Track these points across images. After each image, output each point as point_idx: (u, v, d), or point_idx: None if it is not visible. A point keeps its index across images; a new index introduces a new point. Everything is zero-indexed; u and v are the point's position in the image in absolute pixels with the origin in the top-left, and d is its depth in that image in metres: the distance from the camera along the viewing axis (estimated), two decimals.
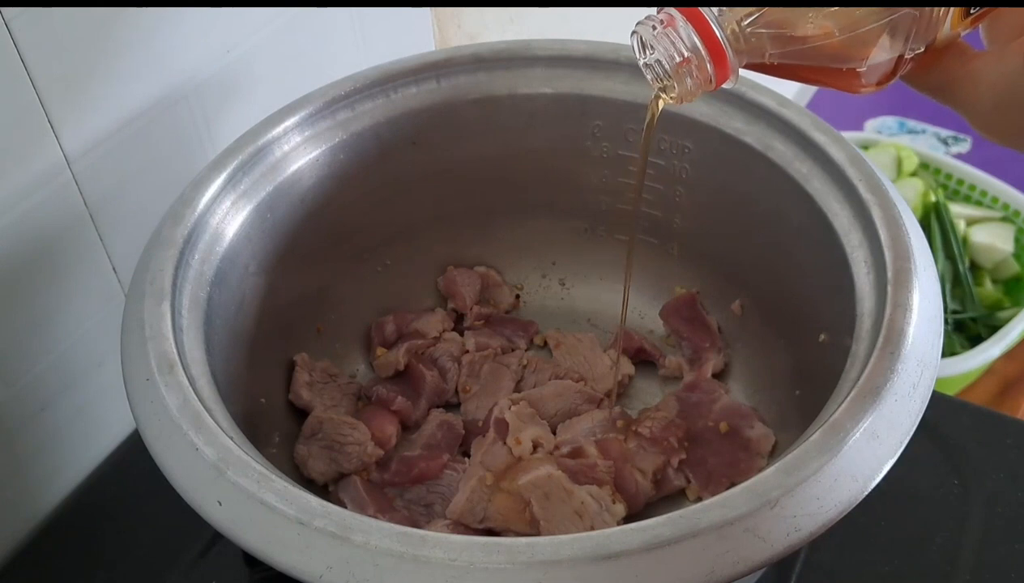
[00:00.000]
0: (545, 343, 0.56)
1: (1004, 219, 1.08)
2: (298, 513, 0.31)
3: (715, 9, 0.31)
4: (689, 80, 0.32)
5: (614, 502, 0.44)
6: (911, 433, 0.33)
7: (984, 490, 0.50)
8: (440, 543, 0.30)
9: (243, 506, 0.32)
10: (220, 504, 0.32)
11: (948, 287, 1.01)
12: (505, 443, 0.48)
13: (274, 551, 0.31)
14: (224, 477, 0.32)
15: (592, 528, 0.43)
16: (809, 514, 0.30)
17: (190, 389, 0.35)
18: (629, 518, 0.45)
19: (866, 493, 0.31)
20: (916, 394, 0.34)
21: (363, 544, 0.30)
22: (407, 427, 0.51)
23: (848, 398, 0.34)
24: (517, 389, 0.53)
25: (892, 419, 0.33)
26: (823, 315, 0.43)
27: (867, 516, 0.32)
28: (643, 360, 0.54)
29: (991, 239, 1.04)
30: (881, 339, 0.35)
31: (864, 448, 0.32)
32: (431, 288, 0.57)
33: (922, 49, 0.30)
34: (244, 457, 0.33)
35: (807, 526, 0.30)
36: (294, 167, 0.47)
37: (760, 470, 0.46)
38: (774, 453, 0.47)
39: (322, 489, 0.48)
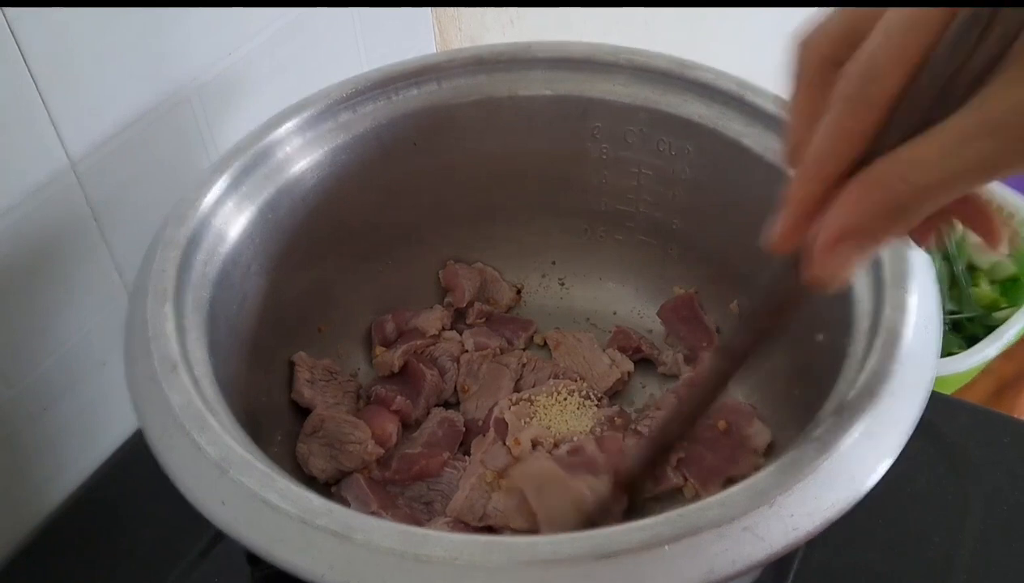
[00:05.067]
0: (544, 343, 0.56)
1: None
2: (300, 512, 0.31)
3: None
4: None
5: (614, 494, 0.45)
6: (909, 433, 0.33)
7: (982, 489, 0.51)
8: (441, 542, 0.30)
9: (246, 505, 0.32)
10: (223, 503, 0.32)
11: (945, 288, 1.01)
12: (505, 443, 0.48)
13: (276, 550, 0.31)
14: (227, 476, 0.32)
15: (590, 518, 0.43)
16: (807, 513, 0.30)
17: (193, 389, 0.36)
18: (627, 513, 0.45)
19: (864, 493, 0.32)
20: (914, 394, 0.34)
21: (365, 543, 0.30)
22: (407, 426, 0.51)
23: (846, 398, 0.34)
24: (516, 388, 0.53)
25: (890, 419, 0.33)
26: (820, 315, 0.44)
27: (865, 515, 0.32)
28: (641, 359, 0.55)
29: None
30: (879, 340, 0.36)
31: (862, 448, 0.32)
32: (432, 288, 0.57)
33: None
34: (247, 457, 0.33)
35: (805, 525, 0.30)
36: (296, 168, 0.48)
37: (755, 467, 0.46)
38: (770, 451, 0.48)
39: (324, 488, 0.48)
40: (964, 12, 0.23)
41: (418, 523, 0.46)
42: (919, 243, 0.29)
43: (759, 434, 0.48)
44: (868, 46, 0.24)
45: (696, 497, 0.47)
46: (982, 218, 0.28)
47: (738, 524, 0.30)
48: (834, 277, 0.26)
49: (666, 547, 0.29)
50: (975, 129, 0.23)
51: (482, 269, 0.57)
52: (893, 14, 0.24)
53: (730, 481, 0.47)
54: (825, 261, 0.26)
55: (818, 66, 0.26)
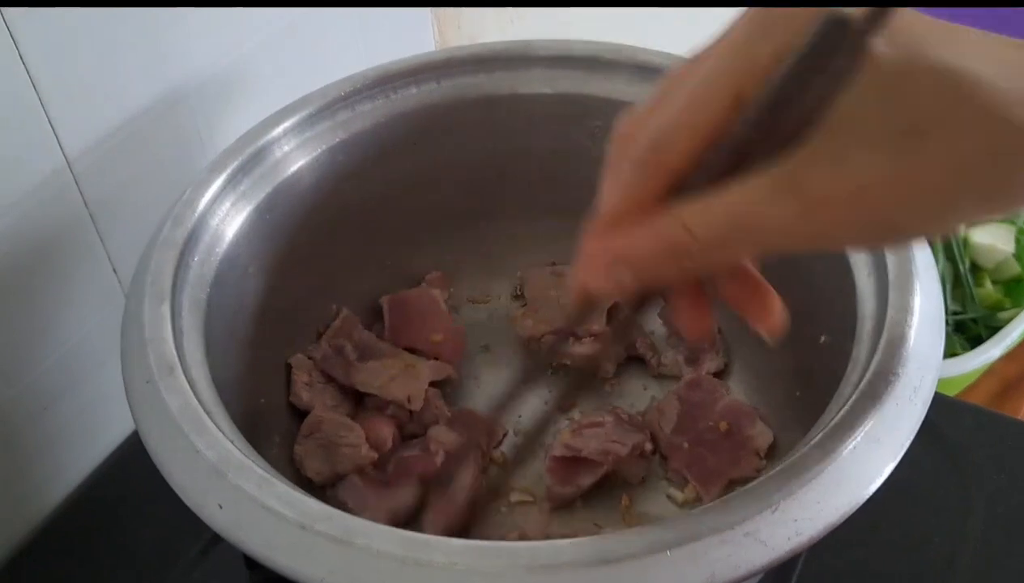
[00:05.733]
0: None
1: (1004, 220, 1.08)
2: (299, 516, 0.31)
3: None
4: None
5: None
6: (912, 436, 0.33)
7: (985, 491, 0.50)
8: (441, 547, 0.30)
9: (244, 509, 0.32)
10: (221, 507, 0.32)
11: (949, 288, 1.00)
12: None
13: (275, 555, 0.31)
14: (225, 480, 0.32)
15: None
16: (810, 518, 0.30)
17: (190, 391, 0.35)
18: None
19: (867, 497, 0.31)
20: (917, 397, 0.34)
21: (365, 548, 0.30)
22: (406, 436, 0.50)
23: (849, 401, 0.34)
24: None
25: (893, 422, 0.33)
26: (824, 317, 0.43)
27: (867, 516, 0.32)
28: (634, 357, 0.54)
29: (992, 240, 1.03)
30: (883, 342, 0.35)
31: (865, 452, 0.32)
32: None
33: None
34: (245, 460, 0.33)
35: (808, 530, 0.30)
36: (294, 168, 0.47)
37: (756, 468, 0.46)
38: (771, 452, 0.47)
39: (321, 491, 0.47)
40: (771, 79, 0.23)
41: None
42: (693, 336, 0.30)
43: (761, 435, 0.47)
44: (660, 115, 0.25)
45: (698, 499, 0.47)
46: (756, 299, 0.29)
47: (740, 529, 0.30)
48: (596, 288, 0.27)
49: (668, 552, 0.29)
50: (766, 196, 0.23)
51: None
52: (685, 95, 0.25)
53: (732, 483, 0.47)
54: (594, 270, 0.27)
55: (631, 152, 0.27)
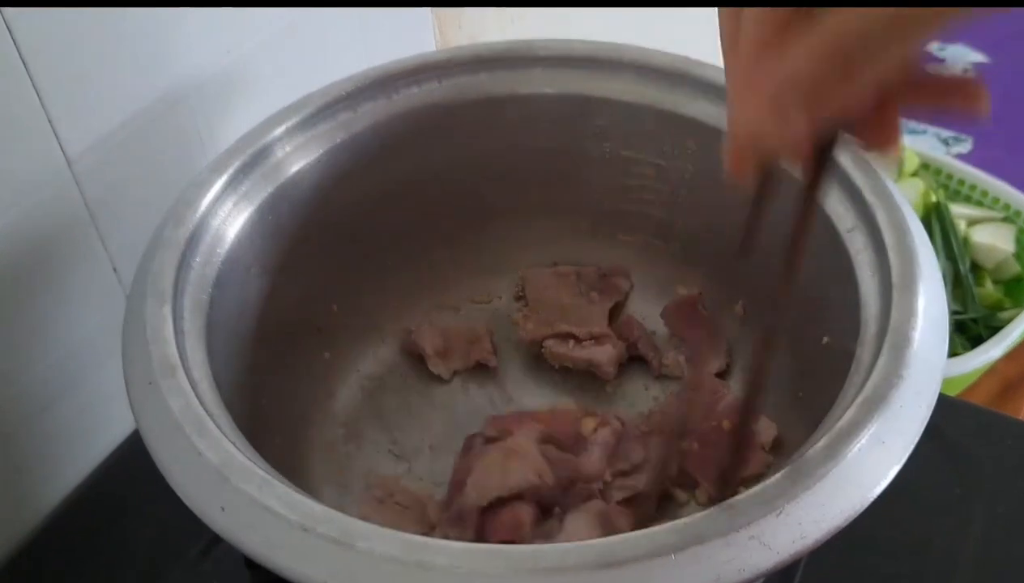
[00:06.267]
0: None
1: (1005, 219, 1.08)
2: (301, 519, 0.31)
3: None
4: None
5: None
6: (917, 439, 0.33)
7: (985, 491, 0.50)
8: (443, 550, 0.29)
9: (245, 511, 0.32)
10: (223, 509, 0.32)
11: (949, 288, 1.00)
12: None
13: (276, 557, 0.30)
14: (227, 482, 0.32)
15: None
16: (814, 521, 0.30)
17: (192, 393, 0.35)
18: None
19: (872, 499, 0.31)
20: (921, 400, 0.34)
21: (366, 551, 0.30)
22: None
23: (853, 404, 0.33)
24: None
25: (898, 425, 0.33)
26: (827, 318, 0.43)
27: (868, 518, 0.32)
28: (636, 357, 0.54)
29: (992, 239, 1.04)
30: (886, 344, 0.35)
31: (870, 454, 0.32)
32: (432, 289, 0.57)
33: None
34: (247, 462, 0.33)
35: (812, 533, 0.30)
36: (295, 168, 0.47)
37: (765, 463, 0.46)
38: (777, 448, 0.47)
39: None
40: None
41: None
42: (882, 147, 0.27)
43: (764, 430, 0.47)
44: None
45: (709, 501, 0.47)
46: (951, 89, 0.25)
47: (745, 532, 0.29)
48: (766, 132, 0.24)
49: (672, 556, 0.29)
50: None
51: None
52: None
53: (741, 481, 0.47)
54: (759, 106, 0.24)
55: None
